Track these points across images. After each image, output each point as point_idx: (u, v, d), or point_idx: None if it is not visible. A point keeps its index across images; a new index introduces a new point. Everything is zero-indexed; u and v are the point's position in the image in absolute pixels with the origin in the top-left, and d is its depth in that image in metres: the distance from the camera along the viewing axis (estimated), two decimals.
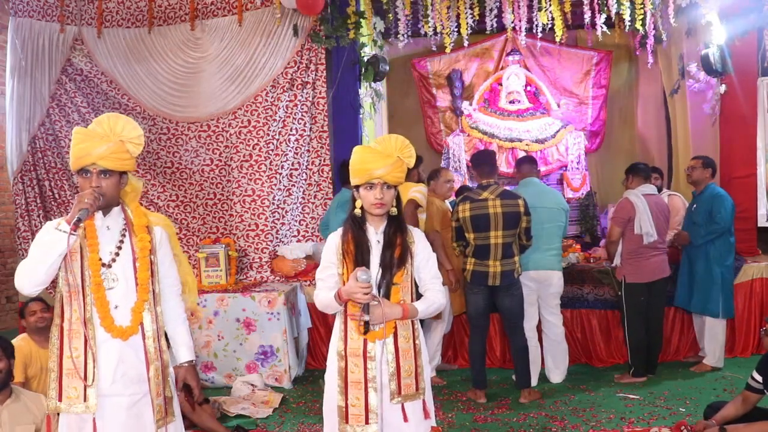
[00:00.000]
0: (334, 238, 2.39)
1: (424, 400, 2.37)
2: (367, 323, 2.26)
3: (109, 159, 2.18)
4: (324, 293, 2.36)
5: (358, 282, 2.19)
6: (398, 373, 2.30)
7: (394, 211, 2.36)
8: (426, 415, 2.37)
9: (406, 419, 2.32)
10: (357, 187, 2.35)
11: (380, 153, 2.30)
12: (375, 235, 2.36)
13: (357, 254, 2.32)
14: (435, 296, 2.39)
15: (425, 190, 4.65)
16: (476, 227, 4.23)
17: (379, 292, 2.29)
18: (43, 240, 2.15)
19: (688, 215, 4.98)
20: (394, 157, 2.29)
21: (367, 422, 2.27)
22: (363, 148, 2.38)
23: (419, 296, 2.41)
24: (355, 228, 2.35)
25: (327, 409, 2.41)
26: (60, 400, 2.20)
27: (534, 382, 4.56)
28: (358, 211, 2.35)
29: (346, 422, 2.29)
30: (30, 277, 2.14)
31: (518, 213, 4.22)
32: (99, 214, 2.26)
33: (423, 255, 2.40)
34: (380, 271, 2.31)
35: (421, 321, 2.51)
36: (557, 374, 4.69)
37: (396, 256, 2.32)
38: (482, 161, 4.49)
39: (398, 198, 2.38)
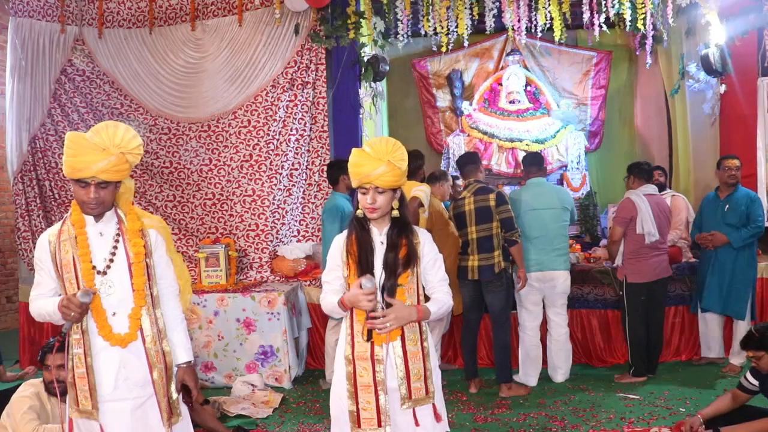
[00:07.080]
0: (339, 241, 2.36)
1: (434, 404, 2.33)
2: (370, 330, 2.23)
3: (110, 172, 2.17)
4: (329, 297, 2.34)
5: (362, 290, 2.16)
6: (407, 377, 2.27)
7: (396, 213, 2.31)
8: (437, 419, 2.34)
9: (417, 424, 2.28)
10: (358, 188, 2.32)
11: (371, 157, 2.24)
12: (379, 236, 2.32)
13: (360, 256, 2.27)
14: (444, 297, 2.36)
15: (428, 190, 4.68)
16: (458, 224, 4.54)
17: (382, 294, 2.24)
18: (47, 309, 2.24)
19: (719, 216, 4.76)
20: (385, 161, 2.22)
21: (379, 425, 2.25)
22: (357, 151, 2.31)
23: (427, 298, 2.37)
24: (359, 229, 2.31)
25: (336, 413, 2.37)
26: (77, 405, 2.24)
27: (534, 382, 4.61)
28: (360, 212, 2.30)
29: (359, 426, 2.26)
30: (42, 320, 2.33)
31: (489, 207, 4.37)
32: (91, 220, 2.26)
33: (430, 257, 2.36)
34: (383, 273, 2.27)
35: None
36: (560, 374, 4.71)
37: (401, 257, 2.27)
38: (465, 162, 4.71)
39: (402, 199, 2.34)
